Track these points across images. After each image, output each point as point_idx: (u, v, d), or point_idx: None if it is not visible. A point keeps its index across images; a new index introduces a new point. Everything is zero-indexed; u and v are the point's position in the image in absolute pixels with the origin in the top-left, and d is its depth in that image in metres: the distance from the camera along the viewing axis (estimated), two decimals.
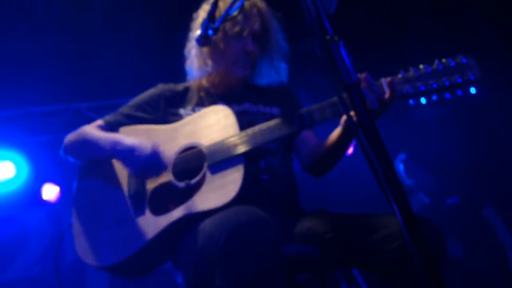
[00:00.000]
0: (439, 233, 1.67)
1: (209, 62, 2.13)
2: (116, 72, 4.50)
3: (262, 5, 2.16)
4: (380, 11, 4.37)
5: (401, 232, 1.07)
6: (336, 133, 1.91)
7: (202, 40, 1.74)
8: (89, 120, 2.23)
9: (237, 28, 2.06)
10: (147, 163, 1.90)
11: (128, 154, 1.93)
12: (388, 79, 1.71)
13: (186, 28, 2.22)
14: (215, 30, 1.69)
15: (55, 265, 2.91)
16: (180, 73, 2.28)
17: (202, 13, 2.17)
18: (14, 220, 5.25)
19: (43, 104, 5.09)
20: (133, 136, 2.04)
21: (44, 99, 4.97)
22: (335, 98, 1.78)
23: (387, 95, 1.69)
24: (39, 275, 5.07)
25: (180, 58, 2.26)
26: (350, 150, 5.54)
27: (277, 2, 2.20)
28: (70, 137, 2.16)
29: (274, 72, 2.21)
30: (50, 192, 5.27)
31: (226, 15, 1.65)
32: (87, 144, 2.07)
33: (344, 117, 1.83)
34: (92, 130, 2.11)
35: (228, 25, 2.06)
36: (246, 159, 1.84)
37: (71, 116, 5.13)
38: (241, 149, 1.85)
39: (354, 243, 1.78)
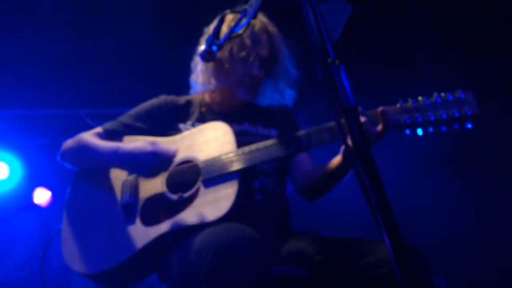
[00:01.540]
0: (425, 261, 1.67)
1: (213, 81, 2.14)
2: (119, 81, 4.53)
3: (273, 30, 2.17)
4: (385, 38, 4.43)
5: (390, 259, 1.07)
6: (335, 161, 1.92)
7: (206, 56, 1.75)
8: (88, 127, 2.22)
9: (244, 53, 2.07)
10: (152, 159, 1.86)
11: (131, 158, 1.91)
12: (380, 108, 1.72)
13: (191, 42, 2.24)
14: (220, 47, 1.71)
15: (40, 270, 2.89)
16: (182, 86, 2.29)
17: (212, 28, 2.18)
18: (3, 222, 5.21)
19: (44, 107, 5.10)
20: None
21: (45, 102, 4.99)
22: (333, 123, 1.79)
23: (379, 126, 1.71)
24: (23, 278, 5.02)
25: (183, 71, 2.28)
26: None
27: (281, 26, 2.22)
28: (68, 143, 2.15)
29: (278, 95, 2.22)
30: (41, 196, 5.25)
31: (231, 32, 1.66)
32: (86, 151, 2.06)
33: (343, 147, 1.84)
34: (91, 138, 2.09)
35: (235, 47, 2.07)
36: (241, 176, 1.85)
37: (71, 121, 5.14)
38: (237, 166, 1.86)
39: (343, 267, 1.78)
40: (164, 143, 2.06)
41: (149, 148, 1.89)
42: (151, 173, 1.91)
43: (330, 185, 2.02)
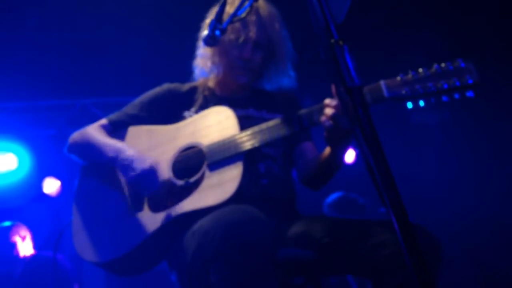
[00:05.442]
0: (434, 241, 1.67)
1: (209, 65, 2.15)
2: (123, 70, 4.53)
3: (264, 11, 2.11)
4: (383, 16, 4.39)
5: (396, 239, 1.07)
6: (327, 149, 1.89)
7: (209, 40, 1.74)
8: (93, 116, 2.24)
9: (233, 35, 2.05)
10: (140, 177, 1.89)
11: (126, 165, 1.93)
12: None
13: (195, 29, 2.23)
14: (223, 31, 1.70)
15: (52, 261, 2.92)
16: (187, 73, 2.29)
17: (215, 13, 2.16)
18: (14, 212, 5.26)
19: (50, 98, 5.12)
20: (136, 139, 2.06)
21: (51, 93, 5.01)
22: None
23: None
24: None
25: (188, 58, 2.27)
26: (352, 159, 5.55)
27: (284, 11, 2.19)
28: (74, 136, 2.17)
29: (286, 78, 2.20)
30: (51, 186, 5.29)
31: (234, 16, 1.66)
32: (91, 148, 2.08)
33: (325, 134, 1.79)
34: (97, 133, 2.11)
35: (228, 30, 2.05)
36: (245, 158, 1.85)
37: (77, 111, 5.17)
38: (241, 148, 1.86)
39: (350, 248, 1.78)
40: (168, 130, 2.07)
41: (146, 164, 1.90)
42: (134, 186, 1.93)
43: (326, 173, 1.99)
